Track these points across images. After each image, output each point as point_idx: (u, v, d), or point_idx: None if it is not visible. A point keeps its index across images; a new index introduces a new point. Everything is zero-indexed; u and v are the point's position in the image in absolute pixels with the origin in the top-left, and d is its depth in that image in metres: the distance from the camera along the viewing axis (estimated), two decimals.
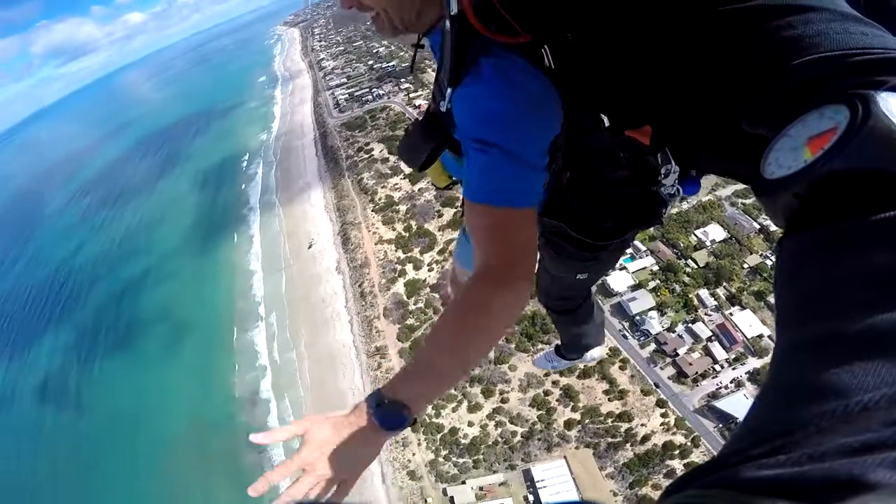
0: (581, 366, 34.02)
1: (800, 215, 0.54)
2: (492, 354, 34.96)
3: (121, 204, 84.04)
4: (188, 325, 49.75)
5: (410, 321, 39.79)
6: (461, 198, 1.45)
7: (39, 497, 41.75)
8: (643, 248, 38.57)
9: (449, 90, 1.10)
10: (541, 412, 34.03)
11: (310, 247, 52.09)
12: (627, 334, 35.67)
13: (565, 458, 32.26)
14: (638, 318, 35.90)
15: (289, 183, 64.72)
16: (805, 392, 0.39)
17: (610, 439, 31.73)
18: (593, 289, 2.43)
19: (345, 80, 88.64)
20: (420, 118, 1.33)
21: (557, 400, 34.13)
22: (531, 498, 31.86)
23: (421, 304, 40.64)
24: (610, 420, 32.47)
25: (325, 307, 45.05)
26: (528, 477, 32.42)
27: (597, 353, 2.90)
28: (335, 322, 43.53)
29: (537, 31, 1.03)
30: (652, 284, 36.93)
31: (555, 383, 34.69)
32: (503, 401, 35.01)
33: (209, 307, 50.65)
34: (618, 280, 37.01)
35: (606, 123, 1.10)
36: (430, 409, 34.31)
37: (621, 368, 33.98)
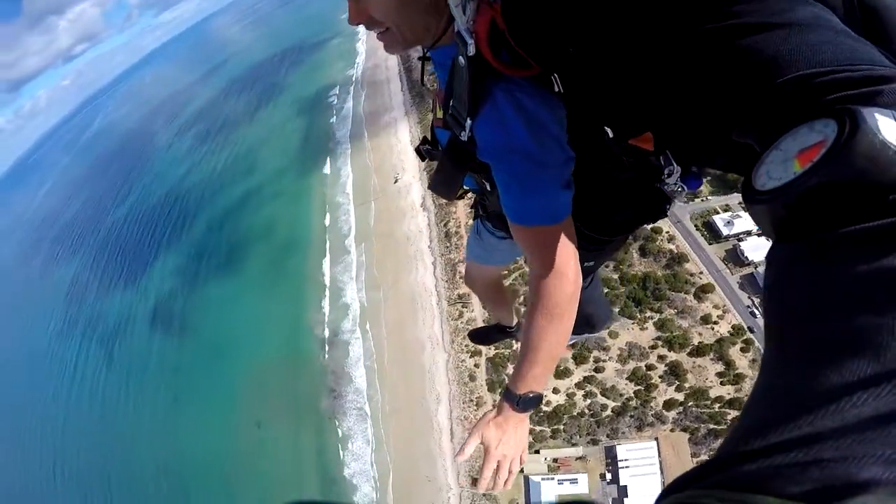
0: (695, 342, 29.78)
1: (788, 225, 0.54)
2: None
3: (222, 136, 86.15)
4: (283, 252, 49.81)
5: None
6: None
7: (140, 418, 44.21)
8: None
9: (469, 122, 1.18)
10: (639, 387, 29.83)
11: (395, 181, 49.73)
12: (756, 312, 29.72)
13: (657, 439, 28.68)
14: None
15: (376, 117, 62.31)
16: (797, 393, 0.39)
17: (713, 426, 27.50)
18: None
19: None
20: (443, 153, 1.40)
21: (661, 377, 29.69)
22: (608, 476, 29.00)
23: None
24: (717, 405, 28.03)
25: (410, 245, 42.80)
26: (610, 454, 29.36)
27: (593, 332, 2.88)
28: (418, 262, 41.23)
29: (547, 61, 1.08)
30: None
31: (661, 357, 30.02)
32: (597, 370, 30.96)
33: (303, 236, 50.44)
34: (754, 247, 30.95)
35: (610, 134, 1.15)
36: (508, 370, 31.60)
37: (743, 350, 28.77)
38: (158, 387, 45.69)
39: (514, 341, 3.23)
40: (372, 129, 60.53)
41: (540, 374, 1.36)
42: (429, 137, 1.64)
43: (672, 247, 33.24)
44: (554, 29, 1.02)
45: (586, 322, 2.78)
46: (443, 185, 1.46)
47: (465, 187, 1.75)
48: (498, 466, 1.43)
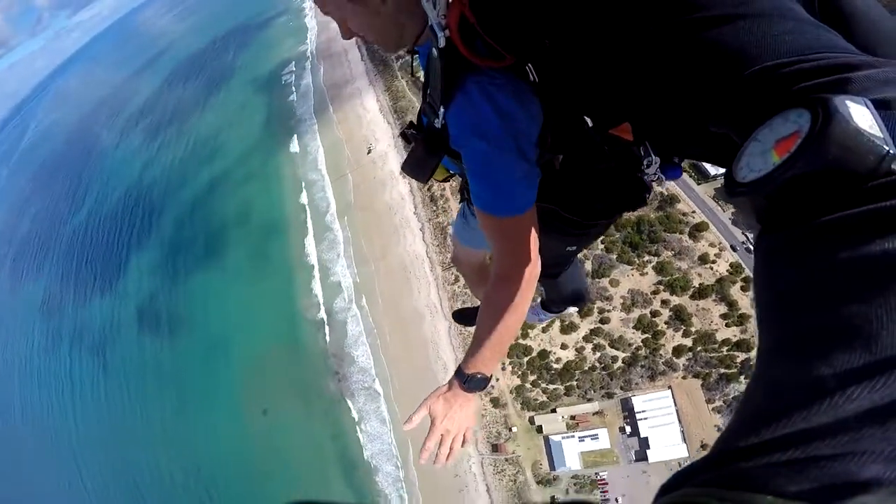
0: (696, 284, 29.85)
1: (771, 216, 0.54)
2: (590, 267, 30.70)
3: (174, 128, 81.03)
4: (263, 237, 47.75)
5: None
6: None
7: (151, 421, 42.79)
8: None
9: (442, 110, 1.23)
10: (646, 336, 29.59)
11: (369, 152, 47.80)
12: (752, 248, 29.81)
13: (670, 388, 28.78)
14: None
15: (338, 89, 59.37)
16: (790, 388, 0.38)
17: (723, 370, 27.64)
18: None
19: None
20: (418, 137, 1.47)
21: (666, 322, 29.58)
22: (628, 429, 29.15)
23: None
24: (725, 348, 28.07)
25: (393, 214, 41.23)
26: (626, 407, 29.44)
27: (573, 309, 3.03)
28: (405, 230, 39.90)
29: (521, 52, 1.12)
30: None
31: (664, 303, 29.82)
32: (603, 321, 30.54)
33: (280, 218, 48.19)
34: None
35: (590, 124, 1.18)
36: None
37: (743, 289, 28.72)
38: (161, 387, 44.25)
39: None
40: (336, 102, 57.79)
41: (489, 359, 1.42)
42: (415, 122, 1.62)
43: (661, 189, 32.75)
44: (524, 20, 1.07)
45: (567, 300, 2.84)
46: (414, 168, 1.47)
47: (450, 171, 1.74)
48: (442, 440, 1.46)
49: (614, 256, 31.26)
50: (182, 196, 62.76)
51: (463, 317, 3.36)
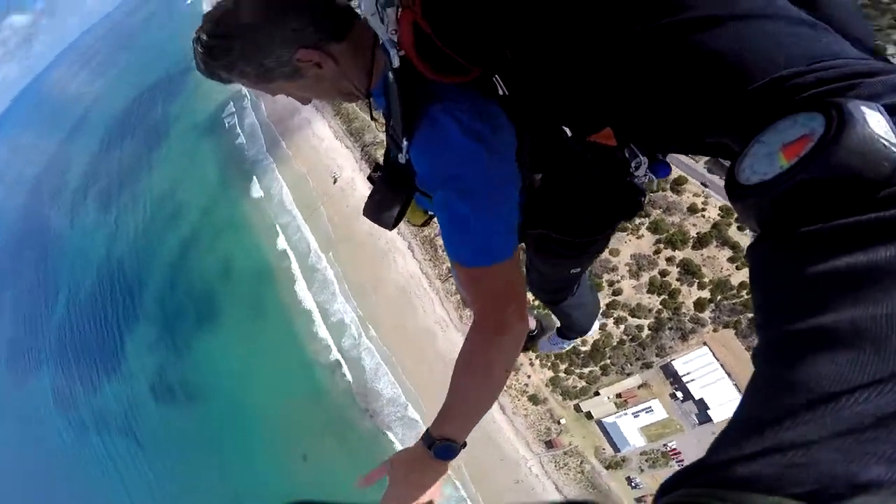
0: (693, 234, 29.54)
1: (774, 220, 0.53)
2: None
3: (126, 194, 77.88)
4: (251, 292, 46.90)
5: None
6: None
7: (199, 487, 42.82)
8: None
9: (405, 142, 1.07)
10: (663, 297, 29.29)
11: (335, 181, 46.78)
12: None
13: (705, 343, 28.46)
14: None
15: (285, 122, 57.59)
16: (794, 389, 0.38)
17: (751, 314, 27.03)
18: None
19: None
20: (381, 175, 1.30)
21: (678, 279, 29.35)
22: (679, 395, 28.60)
23: None
24: (745, 292, 27.71)
25: (377, 239, 40.79)
26: (669, 372, 28.98)
27: (596, 324, 2.88)
28: (394, 253, 39.59)
29: (485, 62, 1.00)
30: None
31: (669, 260, 29.54)
32: (615, 293, 30.19)
33: (264, 268, 47.19)
34: None
35: (569, 133, 1.07)
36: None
37: (740, 229, 28.80)
38: (198, 454, 44.19)
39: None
40: (287, 136, 56.11)
41: (459, 428, 1.18)
42: (381, 163, 1.45)
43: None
44: (484, 27, 0.94)
45: (575, 328, 2.70)
46: (376, 212, 1.27)
47: (428, 212, 1.57)
48: None
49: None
50: (156, 266, 60.85)
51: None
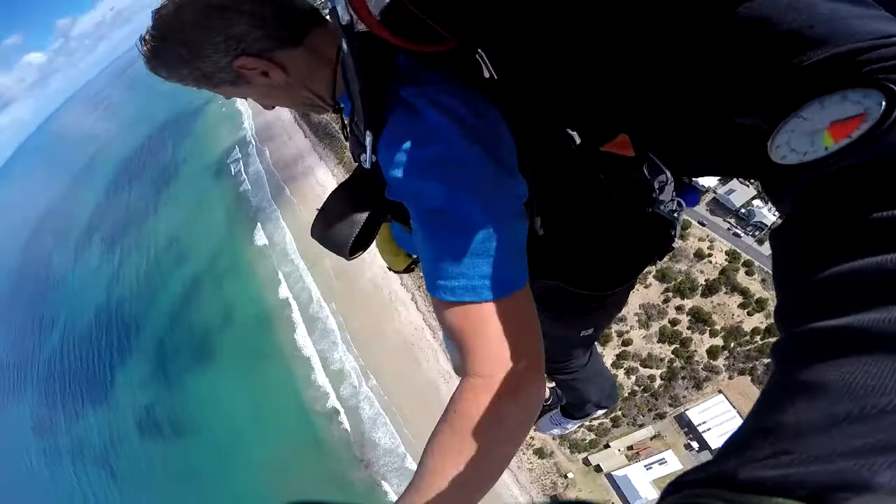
0: (702, 281, 28.66)
1: (814, 204, 0.48)
2: None
3: (131, 236, 78.49)
4: (250, 339, 46.47)
5: None
6: None
7: None
8: None
9: (369, 137, 0.79)
10: (675, 346, 28.86)
11: None
12: (739, 232, 30.15)
13: (720, 391, 27.86)
14: (743, 210, 30.14)
15: (289, 170, 58.83)
16: (816, 391, 0.36)
17: (766, 360, 27.02)
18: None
19: None
20: (341, 185, 0.97)
21: (689, 328, 29.00)
22: (695, 444, 27.73)
23: None
24: (758, 337, 27.47)
25: (380, 290, 40.87)
26: (683, 422, 28.27)
27: (602, 411, 2.37)
28: (397, 305, 39.65)
29: (466, 33, 0.76)
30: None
31: (679, 308, 29.28)
32: (625, 343, 29.83)
33: (264, 316, 47.04)
34: (704, 178, 32.82)
35: (577, 140, 0.83)
36: None
37: (748, 274, 28.87)
38: (180, 492, 43.02)
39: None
40: (292, 183, 57.20)
41: None
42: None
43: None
44: None
45: (584, 406, 2.27)
46: (328, 230, 0.92)
47: (410, 254, 1.33)
48: None
49: None
50: (156, 308, 60.68)
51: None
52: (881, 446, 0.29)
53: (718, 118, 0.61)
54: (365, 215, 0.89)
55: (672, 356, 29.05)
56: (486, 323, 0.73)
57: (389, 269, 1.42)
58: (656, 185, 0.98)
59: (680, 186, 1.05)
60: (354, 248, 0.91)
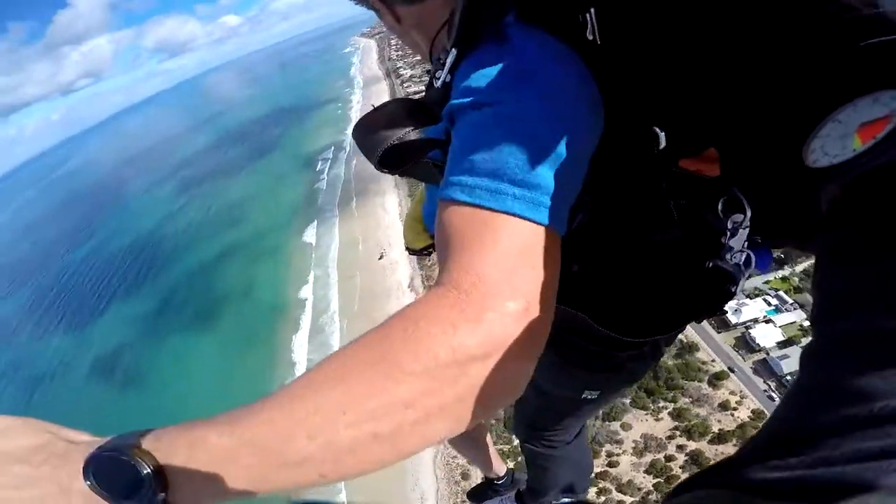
0: (715, 429, 26.89)
1: (844, 208, 0.48)
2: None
3: (206, 187, 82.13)
4: (253, 323, 45.02)
5: None
6: None
7: None
8: (789, 300, 31.65)
9: (452, 53, 0.68)
10: (658, 480, 26.50)
11: (381, 257, 46.07)
12: (774, 395, 28.32)
13: None
14: (789, 377, 28.08)
15: (364, 186, 59.48)
16: (831, 394, 0.35)
17: None
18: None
19: (423, 88, 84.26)
20: (397, 97, 0.91)
21: (682, 467, 26.53)
22: None
23: None
24: None
25: None
26: None
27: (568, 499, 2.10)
28: None
29: None
30: (805, 341, 28.74)
31: (680, 447, 27.21)
32: (611, 464, 27.56)
33: (277, 307, 45.71)
34: (764, 334, 30.12)
35: (662, 143, 0.67)
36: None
37: None
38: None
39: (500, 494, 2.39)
40: (360, 198, 57.70)
41: (221, 473, 0.44)
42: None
43: (681, 336, 31.61)
44: None
45: (546, 491, 1.98)
46: (371, 130, 0.78)
47: (433, 238, 0.99)
48: None
49: (627, 401, 28.65)
50: (188, 259, 61.29)
51: (475, 495, 2.49)
52: (889, 449, 0.28)
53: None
54: (410, 129, 0.76)
55: (652, 488, 26.56)
56: (495, 238, 0.53)
57: (407, 248, 1.34)
58: (729, 226, 0.76)
59: (752, 244, 0.84)
60: (385, 159, 0.77)
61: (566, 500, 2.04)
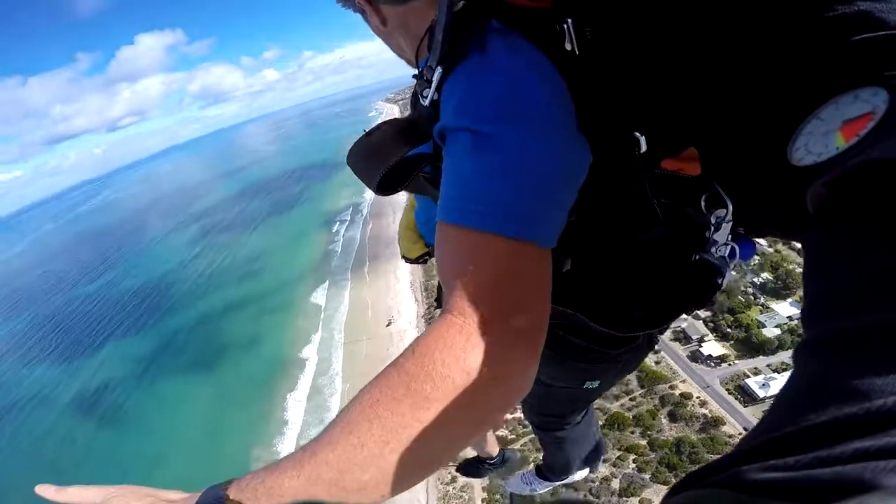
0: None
1: (829, 206, 0.48)
2: (617, 485, 26.48)
3: (223, 237, 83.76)
4: (250, 378, 44.22)
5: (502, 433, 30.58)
6: None
7: None
8: None
9: (438, 71, 0.69)
10: None
11: (388, 324, 45.73)
12: None
13: None
14: None
15: (379, 249, 60.30)
16: (828, 392, 0.35)
17: None
18: None
19: None
20: (388, 119, 0.89)
21: None
22: None
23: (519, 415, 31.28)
24: None
25: None
26: None
27: (585, 471, 2.26)
28: None
29: None
30: None
31: None
32: None
33: (278, 363, 45.10)
34: None
35: (643, 147, 0.70)
36: None
37: None
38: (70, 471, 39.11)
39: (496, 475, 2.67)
40: (373, 262, 58.30)
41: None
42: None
43: (705, 411, 30.32)
44: None
45: (561, 468, 2.15)
46: (364, 157, 0.82)
47: (428, 247, 1.28)
48: None
49: (647, 476, 27.14)
50: (194, 307, 61.48)
51: (466, 468, 2.73)
52: (888, 448, 0.28)
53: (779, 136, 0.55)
54: (403, 150, 0.78)
55: None
56: (499, 262, 0.59)
57: (403, 257, 1.36)
58: (713, 221, 0.82)
59: (735, 236, 0.90)
60: (384, 183, 0.80)
61: (582, 473, 2.19)
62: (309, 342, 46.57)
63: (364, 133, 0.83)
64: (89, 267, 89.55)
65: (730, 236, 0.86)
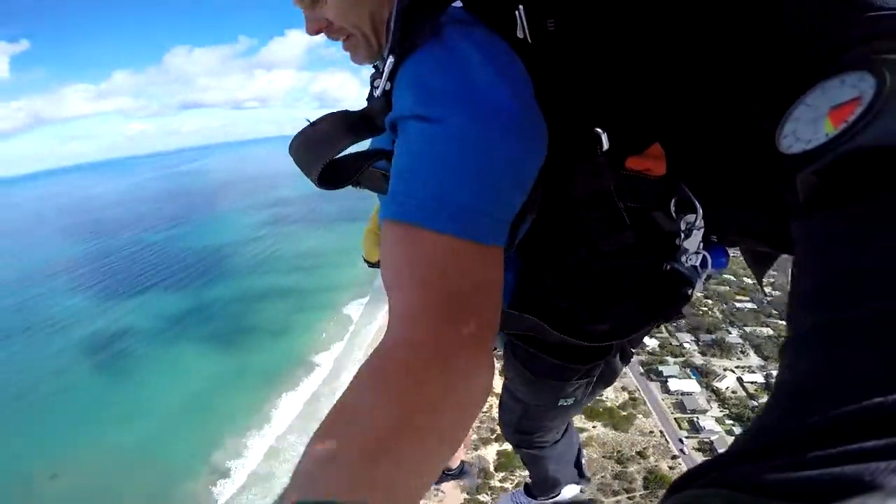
0: None
1: (819, 194, 0.47)
2: None
3: (287, 230, 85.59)
4: (264, 362, 43.67)
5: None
6: None
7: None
8: None
9: (390, 60, 0.66)
10: None
11: None
12: None
13: None
14: None
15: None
16: (826, 390, 0.34)
17: None
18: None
19: None
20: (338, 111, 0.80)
21: None
22: None
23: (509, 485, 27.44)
24: None
25: None
26: None
27: (574, 489, 2.19)
28: None
29: None
30: None
31: None
32: None
33: (293, 362, 43.84)
34: None
35: (605, 145, 0.67)
36: None
37: None
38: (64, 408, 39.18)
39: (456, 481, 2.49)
40: None
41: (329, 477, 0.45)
42: None
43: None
44: None
45: (549, 485, 2.08)
46: (307, 148, 0.72)
47: None
48: None
49: None
50: (237, 283, 62.17)
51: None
52: (888, 448, 0.27)
53: (751, 133, 0.55)
54: (349, 141, 0.72)
55: None
56: (444, 263, 0.55)
57: (365, 260, 1.29)
58: (683, 227, 0.78)
59: (707, 243, 0.85)
60: (325, 175, 0.71)
61: (572, 489, 2.13)
62: (328, 349, 44.95)
63: (308, 122, 0.74)
64: (164, 218, 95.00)
65: (701, 244, 0.81)
